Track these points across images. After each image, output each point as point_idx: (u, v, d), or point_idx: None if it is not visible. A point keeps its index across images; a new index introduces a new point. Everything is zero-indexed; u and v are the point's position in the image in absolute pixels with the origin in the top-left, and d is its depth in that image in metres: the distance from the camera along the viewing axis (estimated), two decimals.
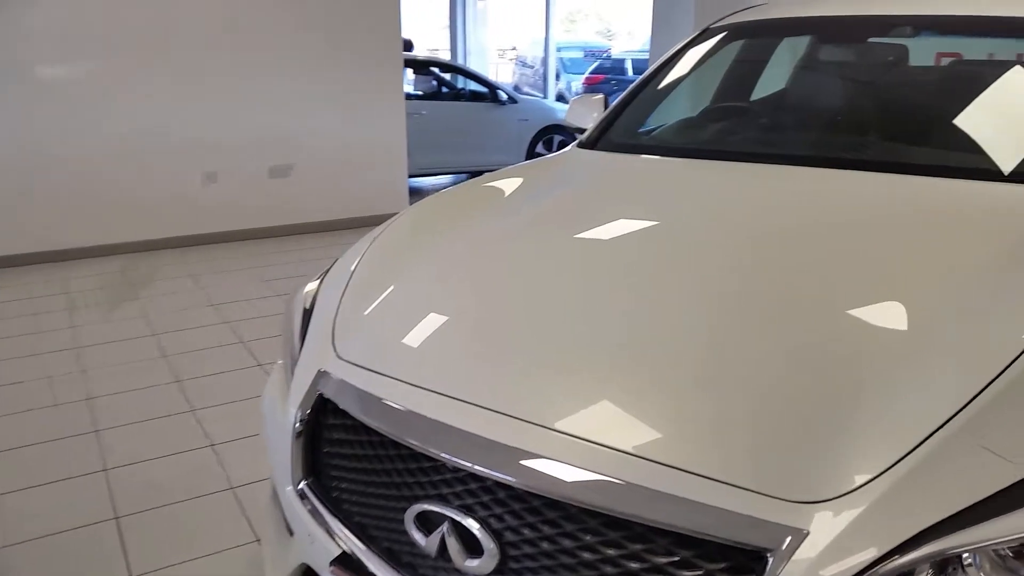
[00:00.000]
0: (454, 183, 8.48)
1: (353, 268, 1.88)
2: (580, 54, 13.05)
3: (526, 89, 12.15)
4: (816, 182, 1.90)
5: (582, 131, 2.88)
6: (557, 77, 11.85)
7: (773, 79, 2.77)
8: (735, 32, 2.82)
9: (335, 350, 1.57)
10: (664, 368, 1.24)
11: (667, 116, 2.77)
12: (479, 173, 9.22)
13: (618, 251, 1.63)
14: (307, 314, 1.81)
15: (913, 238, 1.54)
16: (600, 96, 2.95)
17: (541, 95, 11.08)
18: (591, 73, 11.38)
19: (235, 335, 3.96)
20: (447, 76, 8.51)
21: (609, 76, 11.07)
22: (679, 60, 2.76)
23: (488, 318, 1.48)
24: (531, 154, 8.12)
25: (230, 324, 4.12)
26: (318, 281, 1.98)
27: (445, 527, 1.21)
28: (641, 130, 2.70)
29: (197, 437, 2.93)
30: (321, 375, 1.52)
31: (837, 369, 1.18)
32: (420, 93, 8.01)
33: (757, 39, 2.87)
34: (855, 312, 1.30)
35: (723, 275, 1.47)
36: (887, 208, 1.71)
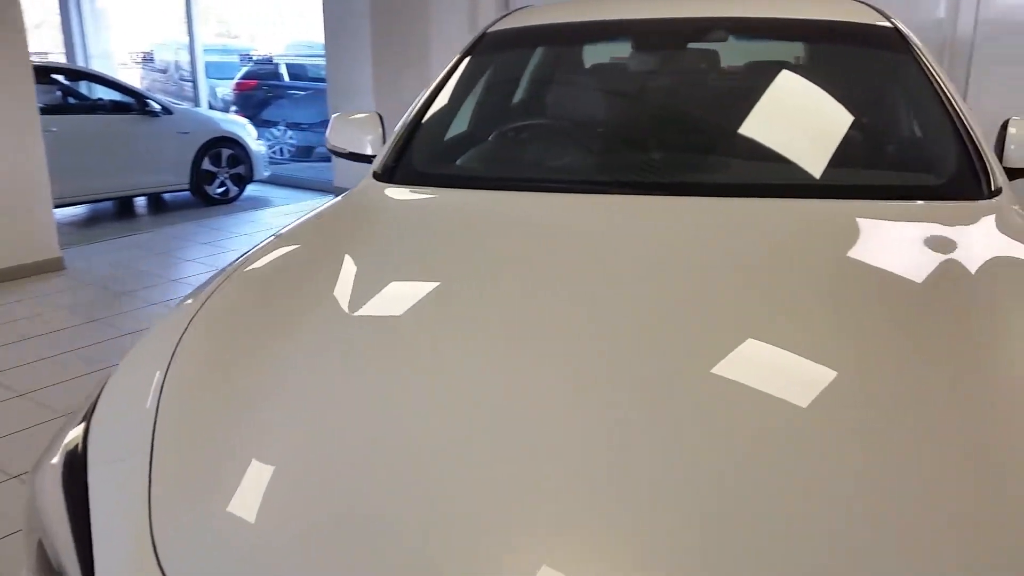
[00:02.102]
0: (92, 212, 7.16)
1: (153, 412, 1.17)
2: (230, 58, 11.91)
3: (160, 96, 10.75)
4: (712, 213, 1.68)
5: (357, 156, 2.42)
6: (194, 83, 10.55)
7: (573, 88, 2.53)
8: (522, 37, 2.53)
9: None
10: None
11: (466, 135, 2.40)
12: (130, 198, 7.90)
13: (528, 365, 1.16)
14: (76, 503, 1.07)
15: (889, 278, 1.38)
16: (371, 113, 2.50)
17: (189, 104, 9.82)
18: (242, 79, 10.34)
19: None
20: (71, 84, 7.13)
21: (262, 82, 10.15)
22: (462, 69, 2.42)
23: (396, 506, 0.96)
24: (196, 172, 7.09)
25: None
26: (81, 427, 1.21)
27: None
28: (445, 148, 2.31)
29: None
30: None
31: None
32: (42, 106, 6.55)
33: (545, 45, 2.60)
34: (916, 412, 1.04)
35: (713, 368, 1.11)
36: (834, 240, 1.52)
